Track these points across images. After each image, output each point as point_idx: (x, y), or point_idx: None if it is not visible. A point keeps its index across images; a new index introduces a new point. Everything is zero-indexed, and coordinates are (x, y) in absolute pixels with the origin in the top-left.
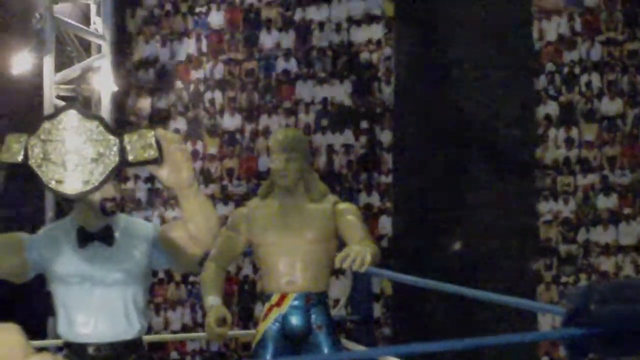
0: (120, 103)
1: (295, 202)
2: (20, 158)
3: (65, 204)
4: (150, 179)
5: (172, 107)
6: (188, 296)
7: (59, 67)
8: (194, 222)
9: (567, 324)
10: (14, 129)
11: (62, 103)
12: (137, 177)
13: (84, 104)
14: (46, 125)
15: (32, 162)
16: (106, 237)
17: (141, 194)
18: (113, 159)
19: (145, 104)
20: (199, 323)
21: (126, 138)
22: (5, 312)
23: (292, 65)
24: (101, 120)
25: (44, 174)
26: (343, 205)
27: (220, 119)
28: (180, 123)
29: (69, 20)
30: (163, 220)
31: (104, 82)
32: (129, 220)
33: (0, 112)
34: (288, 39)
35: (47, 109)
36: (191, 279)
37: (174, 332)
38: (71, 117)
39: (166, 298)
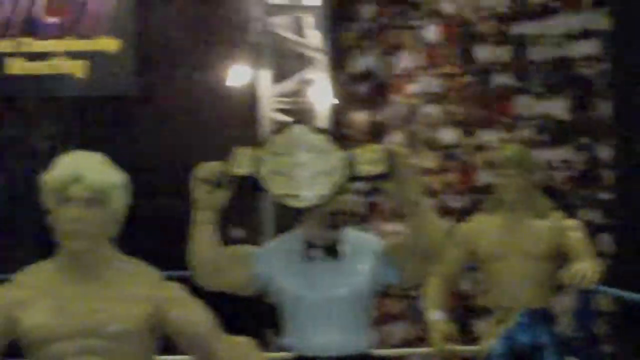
0: (337, 116)
1: (520, 218)
2: (249, 171)
3: (288, 218)
4: (370, 192)
5: (388, 120)
6: (408, 310)
7: (276, 80)
8: (422, 237)
9: None
10: (231, 142)
11: (278, 116)
12: (356, 190)
13: (301, 117)
14: (276, 139)
15: (260, 176)
16: (333, 251)
17: (361, 207)
18: (342, 173)
19: (361, 117)
20: (420, 337)
21: (355, 152)
22: (226, 323)
23: (509, 79)
24: (330, 134)
25: (274, 187)
26: (569, 222)
27: (438, 133)
28: (397, 137)
29: (285, 33)
30: (381, 234)
31: (321, 95)
32: (356, 234)
33: (217, 124)
34: (504, 53)
35: (264, 122)
36: (412, 293)
37: (394, 347)
38: (301, 132)
39: (386, 311)
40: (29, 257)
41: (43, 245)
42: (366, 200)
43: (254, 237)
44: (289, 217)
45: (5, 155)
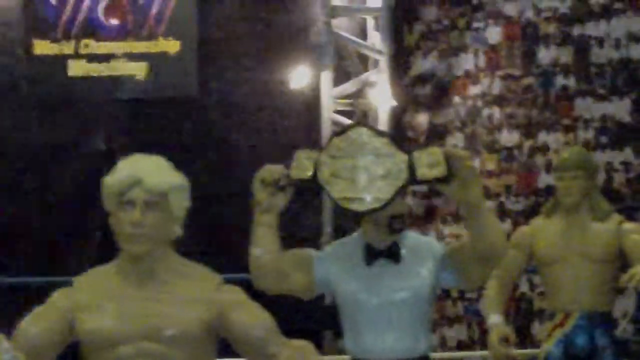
0: (397, 118)
1: (580, 220)
2: (310, 174)
3: (346, 221)
4: (428, 195)
5: (449, 122)
6: (465, 313)
7: (337, 81)
8: (483, 240)
9: None
10: (292, 144)
11: (339, 118)
12: (414, 193)
13: (361, 119)
14: (336, 141)
15: (321, 179)
16: (393, 254)
17: (419, 210)
18: (402, 176)
19: (422, 119)
20: (475, 340)
21: (415, 155)
22: (283, 325)
23: (571, 81)
24: (390, 137)
25: (334, 190)
26: (629, 225)
27: (498, 135)
28: (457, 139)
29: (347, 35)
30: (440, 237)
31: (382, 97)
32: (415, 237)
33: (278, 126)
34: (566, 55)
35: (325, 123)
36: (468, 295)
37: (450, 349)
38: (361, 134)
39: (443, 314)
40: (90, 259)
41: (105, 247)
42: (425, 202)
43: (313, 240)
44: (348, 220)
45: (66, 157)
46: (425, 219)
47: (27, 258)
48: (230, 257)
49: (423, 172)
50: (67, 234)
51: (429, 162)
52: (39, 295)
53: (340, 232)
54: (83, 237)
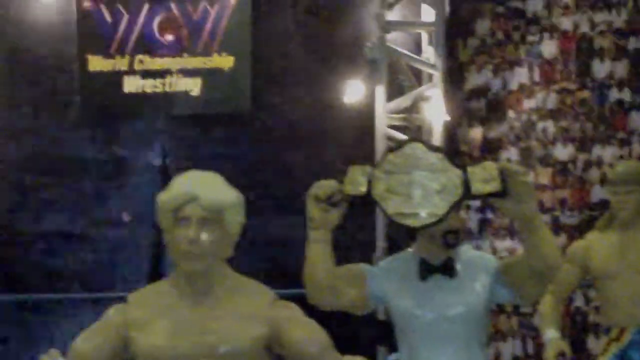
0: (451, 132)
1: (635, 235)
2: (363, 190)
3: (400, 236)
4: (482, 209)
5: (503, 136)
6: (519, 327)
7: (391, 96)
8: (537, 255)
9: None
10: (346, 159)
11: (393, 132)
12: (468, 207)
13: (415, 134)
14: (391, 157)
15: (375, 194)
16: (448, 269)
17: (472, 224)
18: (457, 191)
19: (476, 133)
20: (530, 355)
21: (470, 170)
22: (337, 341)
23: (626, 94)
24: (445, 152)
25: (388, 206)
26: None
27: (553, 148)
28: (512, 153)
29: (401, 50)
30: (494, 251)
31: (436, 112)
32: (470, 252)
33: (333, 141)
34: (621, 68)
35: (379, 138)
36: (522, 309)
37: None
38: (416, 149)
39: (497, 329)
40: (146, 275)
41: (159, 264)
42: (479, 216)
43: (366, 256)
44: (401, 236)
45: (121, 173)
46: (479, 233)
47: (83, 272)
48: (284, 272)
49: (478, 187)
50: (122, 249)
51: (483, 177)
52: (96, 310)
53: (393, 247)
54: (138, 253)
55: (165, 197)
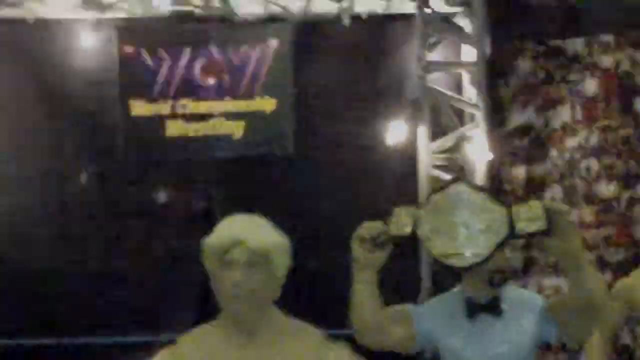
0: (494, 171)
1: None
2: (409, 230)
3: (445, 276)
4: (527, 247)
5: (547, 175)
6: None
7: (433, 136)
8: (583, 293)
9: None
10: (390, 199)
11: (436, 172)
12: (512, 245)
13: (458, 174)
14: (435, 197)
15: (421, 235)
16: (494, 308)
17: (518, 262)
18: (502, 231)
19: (519, 172)
20: None
21: (514, 209)
22: None
23: None
24: (489, 192)
25: (433, 246)
26: None
27: (596, 186)
28: (555, 191)
29: (443, 90)
30: (540, 289)
31: (478, 151)
32: (516, 290)
33: (375, 182)
34: None
35: (422, 178)
36: (569, 347)
37: None
38: (460, 190)
39: None
40: (193, 319)
41: (205, 308)
42: (524, 255)
43: (412, 296)
44: (446, 276)
45: (165, 217)
46: (524, 271)
47: (129, 314)
48: (333, 313)
49: (522, 226)
50: (166, 291)
51: (528, 217)
52: (142, 353)
53: (438, 287)
54: (182, 296)
55: (211, 241)
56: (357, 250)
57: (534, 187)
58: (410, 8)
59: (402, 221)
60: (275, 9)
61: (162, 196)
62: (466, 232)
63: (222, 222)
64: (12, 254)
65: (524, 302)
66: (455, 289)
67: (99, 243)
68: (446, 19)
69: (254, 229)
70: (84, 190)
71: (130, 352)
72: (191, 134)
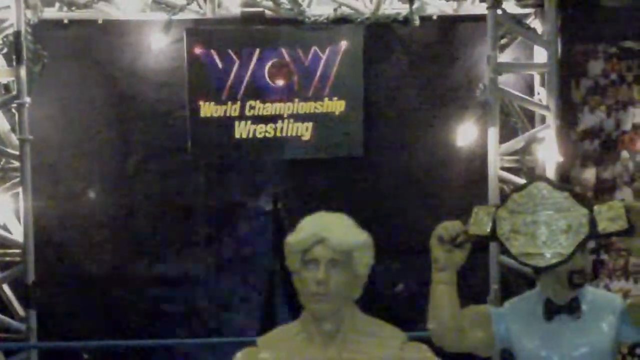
0: (564, 174)
1: None
2: (488, 230)
3: (514, 278)
4: (596, 250)
5: (617, 177)
6: None
7: (503, 138)
8: None
9: None
10: (460, 201)
11: (506, 174)
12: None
13: (528, 176)
14: (515, 197)
15: (500, 234)
16: (573, 309)
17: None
18: (583, 230)
19: (590, 174)
20: None
21: (596, 209)
22: None
23: None
24: (571, 191)
25: (513, 246)
26: None
27: None
28: (625, 193)
29: (513, 91)
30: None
31: (549, 153)
32: (595, 292)
33: (446, 183)
34: None
35: (492, 180)
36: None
37: None
38: (541, 189)
39: None
40: (258, 322)
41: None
42: (593, 257)
43: (480, 297)
44: (515, 278)
45: (233, 218)
46: (593, 273)
47: (196, 316)
48: (397, 316)
49: (604, 226)
50: (234, 293)
51: (610, 216)
52: (206, 356)
53: (507, 289)
54: (250, 299)
55: (293, 239)
56: (437, 250)
57: (604, 190)
58: (480, 9)
59: (481, 221)
60: (345, 10)
61: (230, 197)
62: (546, 231)
63: (305, 221)
64: (80, 256)
65: (604, 303)
66: (534, 290)
67: (164, 247)
68: (518, 20)
69: (336, 227)
70: (153, 192)
71: (196, 354)
72: (259, 135)
